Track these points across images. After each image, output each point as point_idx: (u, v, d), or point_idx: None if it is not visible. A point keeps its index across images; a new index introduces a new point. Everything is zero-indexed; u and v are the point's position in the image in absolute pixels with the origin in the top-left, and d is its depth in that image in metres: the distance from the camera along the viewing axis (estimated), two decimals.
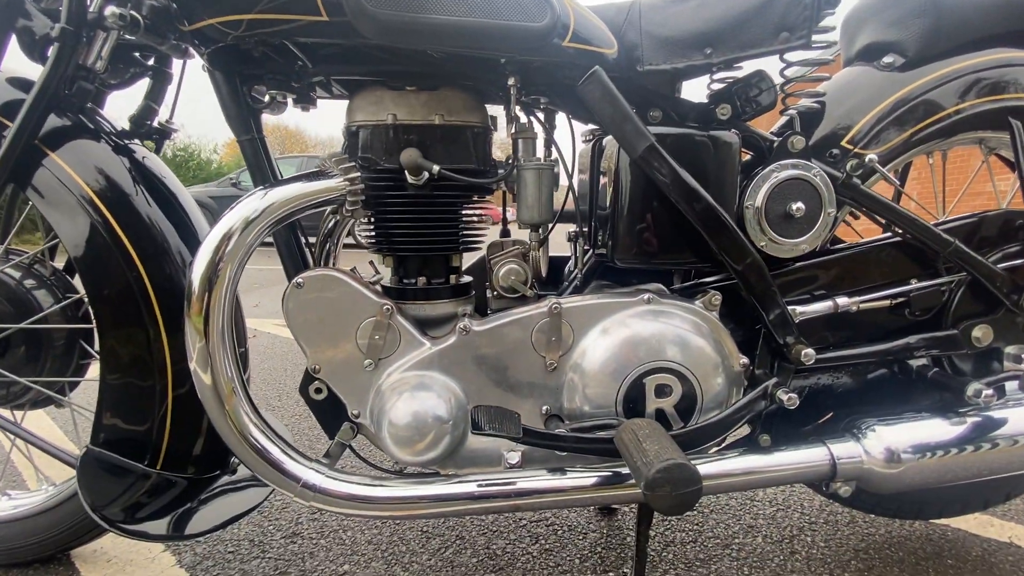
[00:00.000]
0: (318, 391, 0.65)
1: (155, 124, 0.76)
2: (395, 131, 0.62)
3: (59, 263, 0.76)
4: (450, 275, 0.69)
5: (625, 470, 0.59)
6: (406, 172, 0.61)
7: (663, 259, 0.64)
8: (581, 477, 0.60)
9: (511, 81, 0.62)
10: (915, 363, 0.70)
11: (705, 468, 0.60)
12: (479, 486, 0.59)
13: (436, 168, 0.60)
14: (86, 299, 0.69)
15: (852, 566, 0.79)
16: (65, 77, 0.61)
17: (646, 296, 0.62)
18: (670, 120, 0.63)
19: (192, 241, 0.71)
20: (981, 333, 0.67)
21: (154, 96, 0.75)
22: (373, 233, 0.66)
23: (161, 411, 0.65)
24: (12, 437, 0.74)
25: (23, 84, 0.66)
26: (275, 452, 0.58)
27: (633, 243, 0.63)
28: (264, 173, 0.65)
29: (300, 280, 0.61)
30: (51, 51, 0.60)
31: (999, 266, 0.67)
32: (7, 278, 0.70)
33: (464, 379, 0.62)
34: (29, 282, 0.72)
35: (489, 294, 0.72)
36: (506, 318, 0.62)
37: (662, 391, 0.61)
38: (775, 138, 0.65)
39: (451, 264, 0.69)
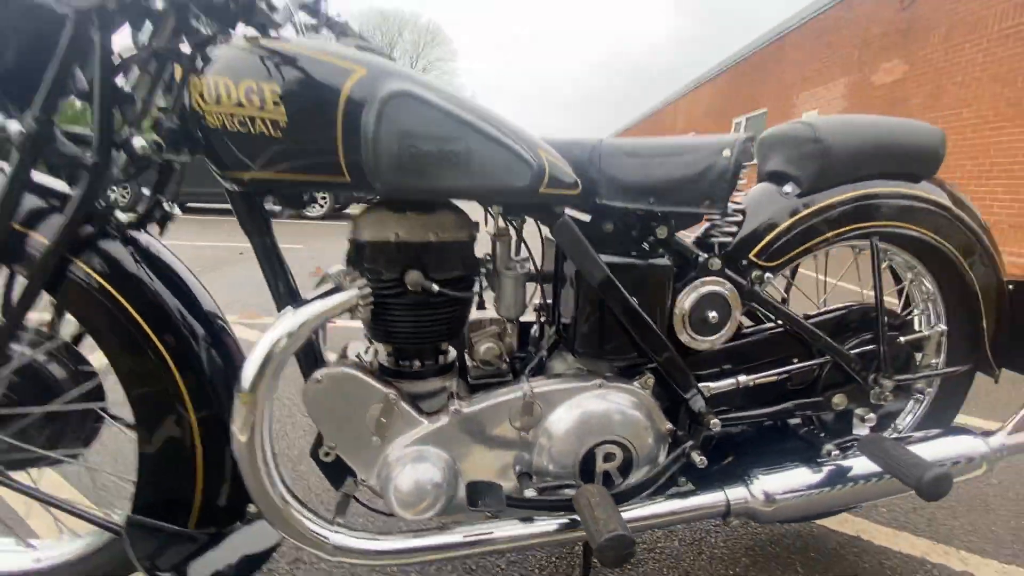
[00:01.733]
0: (327, 455, 0.79)
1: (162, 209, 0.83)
2: (398, 248, 0.74)
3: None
4: (438, 355, 0.83)
5: (577, 518, 0.78)
6: (407, 283, 0.74)
7: (610, 352, 0.81)
8: (545, 524, 0.78)
9: (494, 208, 0.76)
10: (792, 421, 0.93)
11: (638, 512, 0.80)
12: (465, 536, 0.75)
13: (436, 288, 0.73)
14: (112, 374, 0.77)
15: (742, 562, 1.04)
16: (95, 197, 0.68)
17: (598, 382, 0.80)
18: (618, 245, 0.79)
19: (200, 315, 0.79)
20: (839, 399, 0.91)
21: (161, 188, 0.81)
22: (375, 327, 0.78)
23: (193, 479, 0.76)
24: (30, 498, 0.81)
25: (43, 191, 0.71)
26: (308, 521, 0.71)
27: (588, 340, 0.79)
28: (284, 280, 0.75)
29: (319, 377, 0.73)
30: (83, 180, 0.66)
31: (855, 351, 0.90)
32: (25, 359, 0.76)
33: (454, 450, 0.77)
34: (41, 358, 0.78)
35: (468, 361, 0.87)
36: (489, 401, 0.78)
37: (608, 457, 0.79)
38: (700, 252, 0.83)
39: (440, 347, 0.83)
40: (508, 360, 0.86)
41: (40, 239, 0.67)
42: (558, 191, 0.72)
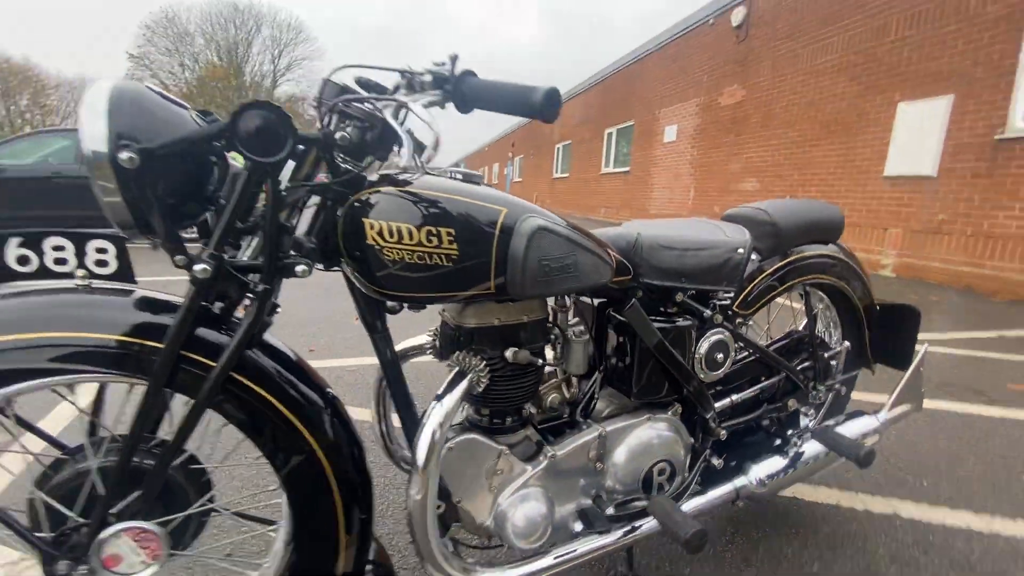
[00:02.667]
0: (438, 507, 0.93)
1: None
2: (500, 330, 0.91)
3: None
4: (522, 410, 1.01)
5: (640, 523, 1.01)
6: (509, 358, 0.91)
7: (658, 391, 1.06)
8: (618, 533, 1.00)
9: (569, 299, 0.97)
10: (763, 423, 1.26)
11: (690, 506, 1.07)
12: (558, 556, 0.95)
13: (540, 362, 0.91)
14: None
15: (728, 530, 1.36)
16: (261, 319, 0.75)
17: (647, 416, 1.05)
18: (655, 311, 1.05)
19: (324, 397, 0.87)
20: (792, 403, 1.26)
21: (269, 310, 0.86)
22: (482, 394, 0.93)
23: (336, 551, 0.85)
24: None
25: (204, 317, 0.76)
26: (457, 566, 0.86)
27: (646, 385, 1.03)
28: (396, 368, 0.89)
29: (451, 445, 0.88)
30: (253, 306, 0.74)
31: (799, 367, 1.26)
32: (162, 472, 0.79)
33: (550, 486, 0.97)
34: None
35: (533, 410, 1.06)
36: (574, 443, 0.98)
37: (661, 472, 1.05)
38: (705, 310, 1.11)
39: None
40: (568, 406, 1.07)
41: (207, 362, 0.73)
42: (621, 278, 0.95)
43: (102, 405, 0.87)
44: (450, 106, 0.81)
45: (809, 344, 1.28)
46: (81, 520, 0.73)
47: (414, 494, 0.80)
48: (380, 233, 0.74)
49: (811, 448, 1.22)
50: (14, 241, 0.70)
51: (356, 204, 0.76)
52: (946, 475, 1.65)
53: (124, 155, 0.62)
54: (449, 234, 0.75)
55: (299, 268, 0.76)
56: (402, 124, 0.73)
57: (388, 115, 0.72)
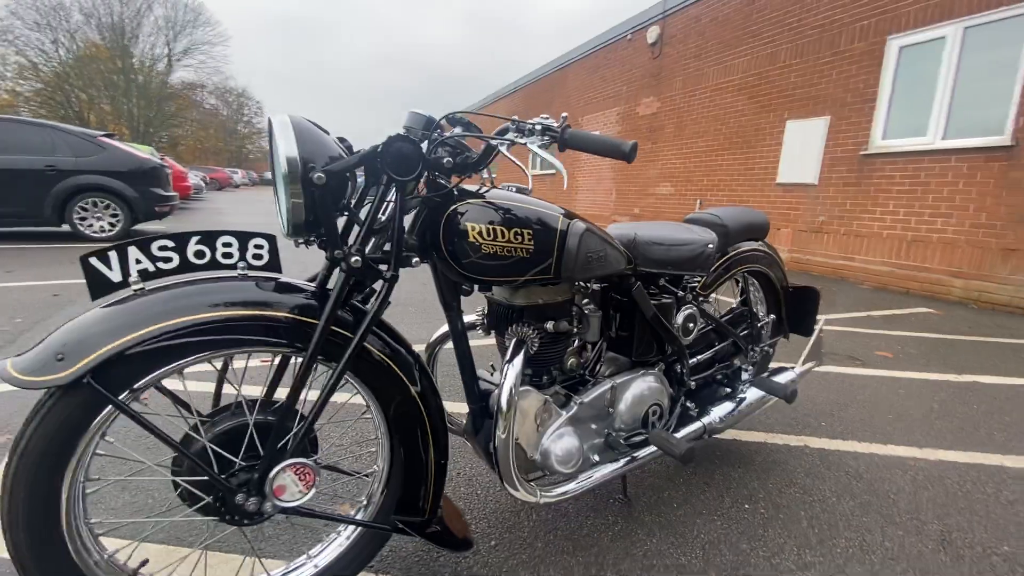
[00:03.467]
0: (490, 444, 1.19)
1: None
2: (542, 308, 1.19)
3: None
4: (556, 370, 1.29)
5: (640, 452, 1.34)
6: (549, 327, 1.19)
7: (652, 353, 1.39)
8: (626, 458, 1.32)
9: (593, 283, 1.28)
10: (717, 377, 1.65)
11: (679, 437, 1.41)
12: (586, 477, 1.25)
13: (573, 330, 1.21)
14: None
15: (684, 471, 1.74)
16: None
17: (642, 372, 1.37)
18: (649, 291, 1.38)
19: (414, 358, 1.09)
20: (737, 361, 1.66)
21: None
22: (530, 357, 1.20)
23: (426, 482, 1.09)
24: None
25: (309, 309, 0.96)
26: (529, 486, 1.12)
27: (643, 347, 1.36)
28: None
29: (520, 393, 1.14)
30: (382, 289, 0.96)
31: (742, 333, 1.66)
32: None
33: (578, 426, 1.26)
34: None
35: (555, 372, 1.35)
36: (594, 394, 1.28)
37: (654, 412, 1.38)
38: (680, 291, 1.46)
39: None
40: (581, 368, 1.37)
41: (346, 334, 0.94)
42: (628, 267, 1.27)
43: (224, 376, 1.04)
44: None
45: (747, 317, 1.69)
46: (244, 464, 0.91)
47: (499, 433, 1.06)
48: (480, 233, 0.99)
49: (752, 394, 1.63)
50: (193, 239, 0.87)
51: (458, 212, 1.00)
52: (837, 417, 2.17)
53: (315, 175, 0.83)
54: (528, 233, 1.02)
55: (414, 260, 0.99)
56: (494, 158, 0.99)
57: (504, 150, 0.98)
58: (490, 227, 0.99)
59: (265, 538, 1.28)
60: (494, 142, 0.99)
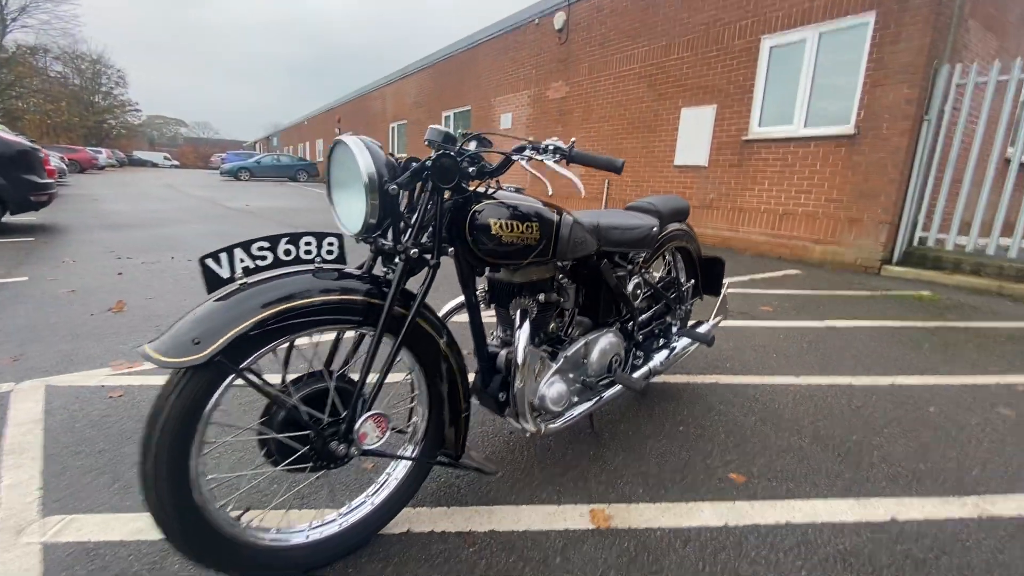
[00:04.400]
0: (502, 396, 1.50)
1: None
2: (536, 284, 1.50)
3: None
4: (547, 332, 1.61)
5: (607, 392, 1.71)
6: (541, 299, 1.51)
7: (612, 315, 1.75)
8: (598, 396, 1.68)
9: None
10: (656, 331, 2.07)
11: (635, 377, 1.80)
12: (574, 411, 1.60)
13: (559, 300, 1.53)
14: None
15: (642, 410, 2.16)
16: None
17: (606, 330, 1.74)
18: (611, 263, 1.74)
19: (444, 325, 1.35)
20: (669, 318, 2.09)
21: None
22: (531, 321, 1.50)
23: (455, 427, 1.36)
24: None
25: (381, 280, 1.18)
26: (532, 417, 1.44)
27: (607, 311, 1.72)
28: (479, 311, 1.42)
29: (531, 353, 1.44)
30: (429, 274, 1.20)
31: (672, 295, 2.09)
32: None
33: (563, 375, 1.60)
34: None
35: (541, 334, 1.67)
36: (573, 348, 1.62)
37: (615, 361, 1.75)
38: (630, 265, 1.84)
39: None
40: (560, 329, 1.71)
41: (402, 311, 1.18)
42: (595, 248, 1.61)
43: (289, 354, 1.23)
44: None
45: (674, 283, 2.12)
46: (330, 419, 1.13)
47: (517, 382, 1.36)
48: (500, 226, 1.26)
49: (681, 343, 2.08)
50: (283, 240, 1.06)
51: (478, 210, 1.26)
52: (737, 360, 2.73)
53: (391, 187, 1.05)
54: (535, 225, 1.31)
55: (449, 249, 1.25)
56: (509, 167, 1.27)
57: (524, 164, 1.24)
58: (507, 221, 1.27)
59: (317, 488, 1.48)
60: (516, 158, 1.26)
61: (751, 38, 6.49)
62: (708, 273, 2.37)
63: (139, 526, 1.33)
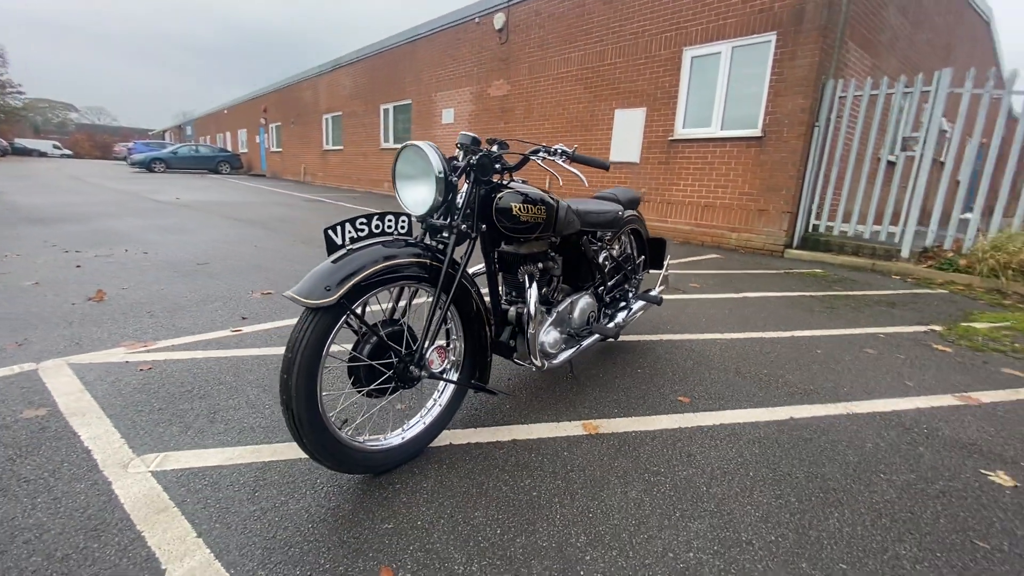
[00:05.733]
0: (512, 342, 1.93)
1: None
2: (536, 255, 1.95)
3: None
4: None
5: (586, 340, 2.19)
6: (540, 267, 1.96)
7: (586, 282, 2.24)
8: (581, 344, 2.16)
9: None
10: (618, 296, 2.58)
11: (607, 327, 2.29)
12: (567, 354, 2.07)
13: (555, 268, 1.99)
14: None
15: (606, 360, 2.67)
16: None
17: (584, 294, 2.22)
18: (590, 238, 2.22)
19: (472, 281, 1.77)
20: (627, 286, 2.62)
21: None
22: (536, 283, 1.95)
23: (484, 362, 1.78)
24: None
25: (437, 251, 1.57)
26: (537, 356, 1.88)
27: (586, 277, 2.20)
28: (495, 280, 1.85)
29: (544, 312, 1.88)
30: (470, 242, 1.60)
31: (628, 267, 2.62)
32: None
33: (556, 326, 2.06)
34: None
35: None
36: (563, 305, 2.08)
37: (592, 318, 2.24)
38: (599, 242, 2.33)
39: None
40: (551, 292, 2.17)
41: (452, 272, 1.58)
42: (578, 227, 2.08)
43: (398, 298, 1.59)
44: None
45: (630, 258, 2.65)
46: (405, 351, 1.51)
47: (530, 330, 1.80)
48: (520, 209, 1.69)
49: (636, 305, 2.61)
50: (375, 218, 1.43)
51: (501, 196, 1.68)
52: (676, 323, 3.33)
53: (453, 179, 1.45)
54: (544, 208, 1.75)
55: (483, 227, 1.66)
56: (522, 166, 1.69)
57: (540, 163, 1.67)
58: (523, 205, 1.70)
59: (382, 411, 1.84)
60: (533, 157, 1.69)
61: (675, 48, 7.27)
62: (654, 251, 2.92)
63: (231, 454, 1.64)
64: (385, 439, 1.58)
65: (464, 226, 1.56)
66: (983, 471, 1.76)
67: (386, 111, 14.20)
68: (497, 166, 1.65)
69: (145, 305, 3.19)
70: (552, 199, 1.82)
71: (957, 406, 2.28)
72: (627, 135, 7.98)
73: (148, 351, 2.48)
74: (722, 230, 7.01)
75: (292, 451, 1.67)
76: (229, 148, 28.29)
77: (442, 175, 1.44)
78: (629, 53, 7.84)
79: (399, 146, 1.43)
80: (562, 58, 8.90)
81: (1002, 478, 1.72)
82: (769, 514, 1.48)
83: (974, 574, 1.28)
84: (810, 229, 6.59)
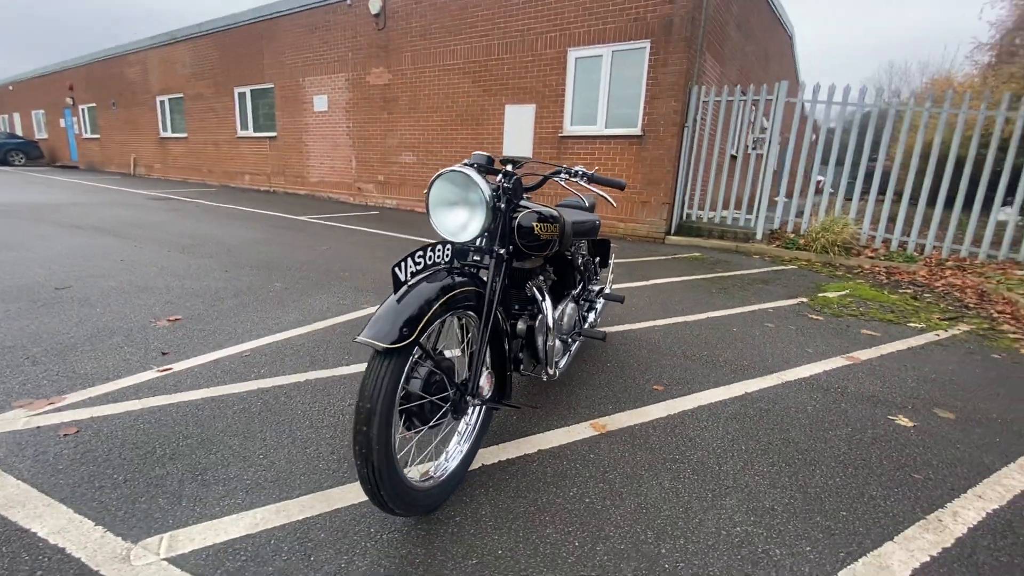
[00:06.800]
0: (520, 355, 1.98)
1: None
2: (539, 269, 2.01)
3: None
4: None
5: (572, 348, 2.32)
6: (543, 278, 2.02)
7: (573, 288, 2.35)
8: (573, 345, 2.28)
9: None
10: (588, 296, 2.75)
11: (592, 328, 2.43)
12: (569, 347, 2.17)
13: (553, 279, 2.06)
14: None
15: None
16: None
17: (570, 298, 2.33)
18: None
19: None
20: (592, 287, 2.79)
21: None
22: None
23: (504, 375, 1.80)
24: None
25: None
26: (553, 365, 1.95)
27: (572, 284, 2.31)
28: (509, 296, 1.88)
29: (554, 314, 1.94)
30: (504, 267, 1.60)
31: (591, 270, 2.80)
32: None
33: (558, 333, 2.14)
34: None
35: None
36: (559, 309, 2.17)
37: (583, 319, 2.36)
38: (580, 246, 2.45)
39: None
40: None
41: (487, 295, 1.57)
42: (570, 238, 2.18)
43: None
44: None
45: (590, 260, 2.83)
46: (459, 383, 1.48)
47: (550, 342, 1.86)
48: (540, 229, 1.73)
49: (600, 304, 2.80)
50: (429, 249, 1.36)
51: (521, 216, 1.71)
52: (614, 314, 3.62)
53: (501, 204, 1.44)
54: (556, 226, 1.81)
55: (510, 248, 1.67)
56: (541, 185, 1.72)
57: (562, 183, 1.70)
58: (541, 224, 1.75)
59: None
60: (556, 179, 1.73)
61: (560, 48, 7.64)
62: (600, 251, 3.14)
63: (253, 520, 1.45)
64: (436, 473, 1.54)
65: (502, 250, 1.56)
66: (890, 417, 2.27)
67: (242, 95, 12.68)
68: (519, 185, 1.67)
69: (18, 350, 2.55)
70: (561, 214, 1.89)
71: (848, 365, 2.87)
72: (519, 130, 8.22)
73: (57, 409, 2.02)
74: (612, 221, 7.63)
75: (322, 502, 1.53)
76: (20, 134, 22.81)
77: (490, 202, 1.43)
78: (516, 50, 8.04)
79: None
80: (447, 50, 8.79)
81: (903, 420, 2.24)
82: (775, 480, 1.75)
83: (927, 501, 1.68)
84: (684, 218, 7.49)
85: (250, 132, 12.76)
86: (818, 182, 14.85)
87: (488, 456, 1.81)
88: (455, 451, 1.65)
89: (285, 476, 1.65)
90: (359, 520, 1.46)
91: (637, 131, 7.17)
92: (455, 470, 1.59)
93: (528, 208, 1.75)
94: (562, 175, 1.77)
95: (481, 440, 1.74)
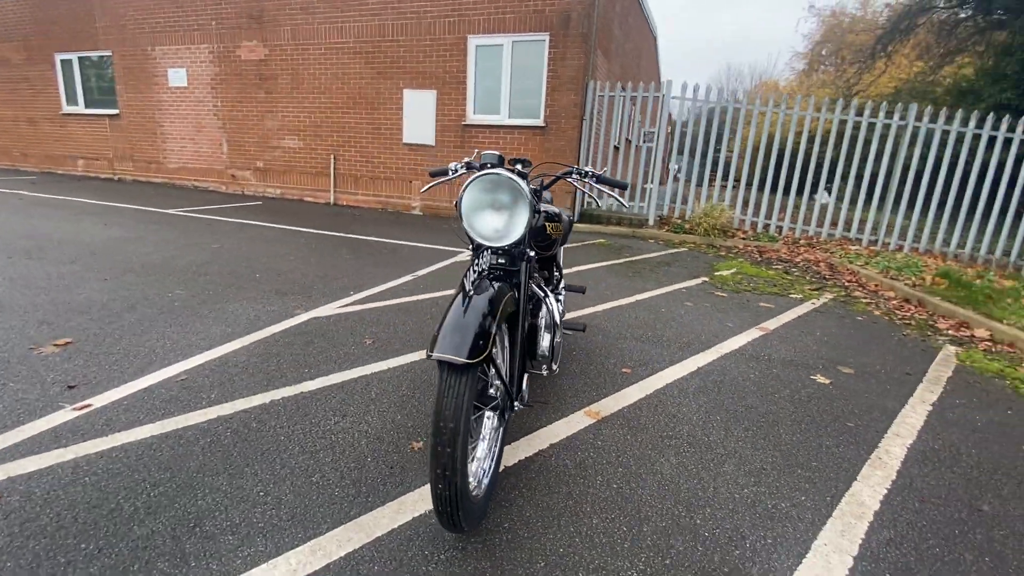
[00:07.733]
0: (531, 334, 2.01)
1: None
2: (545, 261, 2.03)
3: None
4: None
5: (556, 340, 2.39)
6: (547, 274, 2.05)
7: (549, 284, 2.40)
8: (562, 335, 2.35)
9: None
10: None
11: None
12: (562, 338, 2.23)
13: (547, 273, 2.09)
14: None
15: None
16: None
17: (559, 289, 2.39)
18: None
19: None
20: (555, 273, 2.88)
21: None
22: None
23: (521, 373, 1.81)
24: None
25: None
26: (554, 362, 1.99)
27: (546, 280, 2.36)
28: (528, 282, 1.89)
29: (555, 300, 1.96)
30: (533, 262, 1.59)
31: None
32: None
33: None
34: None
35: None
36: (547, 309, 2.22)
37: (560, 315, 2.43)
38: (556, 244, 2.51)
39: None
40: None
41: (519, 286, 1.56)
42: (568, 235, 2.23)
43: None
44: None
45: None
46: (505, 383, 1.46)
47: (557, 338, 1.89)
48: (552, 228, 1.75)
49: (562, 296, 2.89)
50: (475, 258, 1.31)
51: (540, 216, 1.71)
52: (572, 300, 3.75)
53: (539, 206, 1.43)
54: (562, 225, 1.84)
55: (539, 247, 1.67)
56: (552, 184, 1.73)
57: (576, 184, 1.71)
58: (550, 223, 1.77)
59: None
60: (568, 179, 1.74)
61: (459, 34, 7.52)
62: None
63: (288, 567, 1.30)
64: (478, 482, 1.51)
65: (533, 252, 1.56)
66: (811, 377, 2.70)
67: (67, 63, 10.48)
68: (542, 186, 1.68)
69: None
70: (563, 212, 1.93)
71: (764, 335, 3.33)
72: (419, 116, 7.97)
73: None
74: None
75: (358, 533, 1.42)
76: None
77: (534, 203, 1.42)
78: (413, 32, 7.74)
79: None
80: (334, 27, 8.16)
81: (821, 379, 2.69)
82: (755, 443, 2.01)
83: (866, 444, 2.05)
84: (586, 205, 7.93)
85: (81, 108, 10.63)
86: (675, 170, 16.87)
87: (506, 458, 1.82)
88: (487, 456, 1.63)
89: (302, 511, 1.49)
90: (407, 545, 1.39)
91: (540, 122, 7.37)
92: (492, 476, 1.57)
93: (539, 209, 1.76)
94: (573, 175, 1.80)
95: (505, 440, 1.74)
